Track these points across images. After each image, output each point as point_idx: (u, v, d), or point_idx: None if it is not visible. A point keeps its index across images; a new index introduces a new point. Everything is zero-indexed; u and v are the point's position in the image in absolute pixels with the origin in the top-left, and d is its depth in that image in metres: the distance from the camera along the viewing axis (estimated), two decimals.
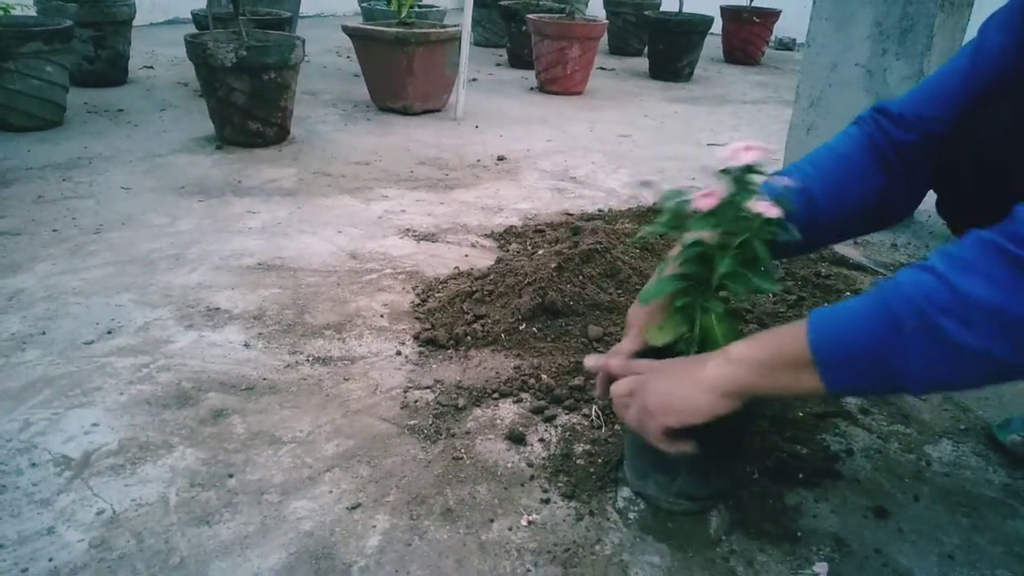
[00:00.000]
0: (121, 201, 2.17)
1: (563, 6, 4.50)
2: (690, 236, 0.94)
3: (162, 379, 1.32)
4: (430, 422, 1.23)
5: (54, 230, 1.94)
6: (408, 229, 2.07)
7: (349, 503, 1.04)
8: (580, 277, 1.60)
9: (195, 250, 1.86)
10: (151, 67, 4.13)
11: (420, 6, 4.65)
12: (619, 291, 1.60)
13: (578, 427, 1.21)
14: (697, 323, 0.95)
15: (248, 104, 2.69)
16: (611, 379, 1.10)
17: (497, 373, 1.36)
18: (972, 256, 0.73)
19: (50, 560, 0.93)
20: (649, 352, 1.03)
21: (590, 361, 1.05)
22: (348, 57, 4.68)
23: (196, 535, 0.98)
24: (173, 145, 2.76)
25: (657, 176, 2.69)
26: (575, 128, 3.39)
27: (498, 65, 4.99)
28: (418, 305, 1.63)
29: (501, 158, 2.82)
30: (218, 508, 1.03)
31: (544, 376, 1.34)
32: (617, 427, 1.20)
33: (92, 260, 1.78)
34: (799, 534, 1.01)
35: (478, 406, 1.27)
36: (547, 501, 1.06)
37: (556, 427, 1.22)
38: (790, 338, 0.82)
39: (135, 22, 3.68)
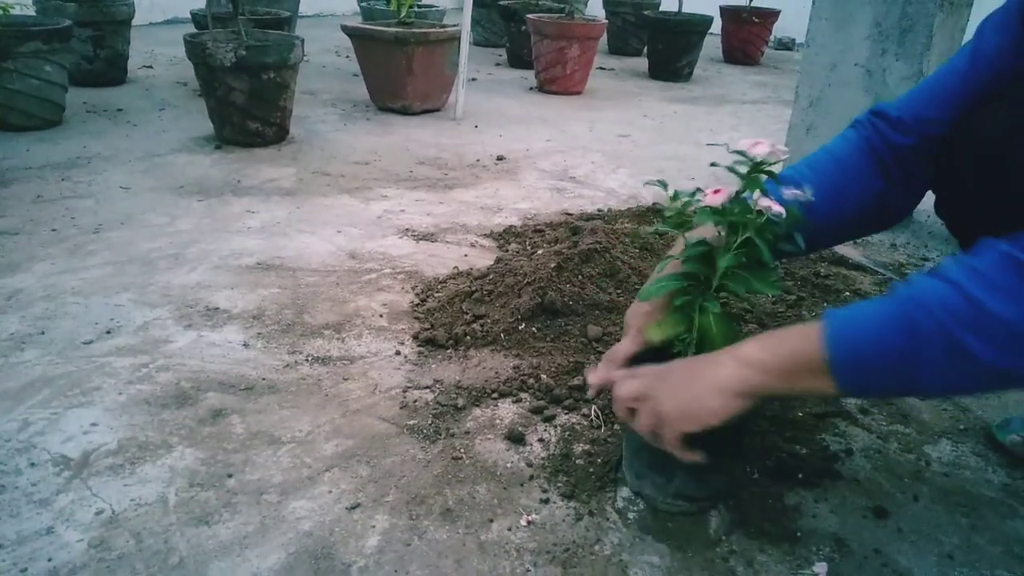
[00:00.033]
0: (120, 201, 2.17)
1: (562, 6, 4.50)
2: (694, 235, 0.94)
3: (161, 379, 1.32)
4: (429, 422, 1.23)
5: (53, 230, 1.94)
6: (407, 229, 2.07)
7: (348, 503, 1.04)
8: (579, 277, 1.60)
9: (194, 250, 1.86)
10: (150, 67, 4.13)
11: (419, 6, 4.65)
12: (618, 291, 1.60)
13: (577, 427, 1.21)
14: (696, 323, 0.95)
15: (247, 104, 2.68)
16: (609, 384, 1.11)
17: (496, 373, 1.36)
18: (994, 272, 0.73)
19: (49, 560, 0.93)
20: (648, 352, 1.04)
21: (593, 378, 1.02)
22: (347, 57, 4.68)
23: (195, 535, 0.98)
24: (172, 145, 2.76)
25: (657, 176, 2.68)
26: (574, 128, 3.39)
27: (497, 65, 4.99)
28: (417, 305, 1.63)
29: (500, 158, 2.82)
30: (217, 508, 1.03)
31: (543, 376, 1.34)
32: (616, 427, 1.20)
33: (91, 260, 1.78)
34: (799, 534, 1.01)
35: (477, 406, 1.27)
36: (546, 501, 1.06)
37: (555, 427, 1.22)
38: (805, 341, 0.81)
39: (134, 22, 3.68)
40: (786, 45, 6.60)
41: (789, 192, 0.93)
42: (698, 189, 0.93)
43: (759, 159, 0.88)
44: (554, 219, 2.17)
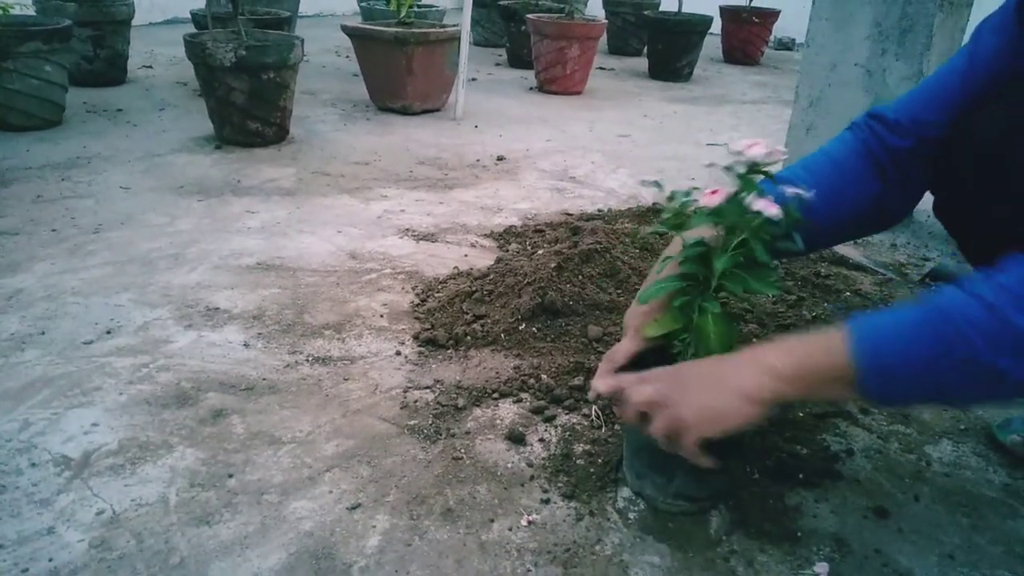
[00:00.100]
0: (120, 201, 2.17)
1: (562, 6, 4.50)
2: (692, 235, 0.94)
3: (161, 379, 1.32)
4: (430, 422, 1.23)
5: (53, 230, 1.94)
6: (407, 229, 2.07)
7: (349, 503, 1.04)
8: (580, 277, 1.60)
9: (194, 250, 1.86)
10: (150, 67, 4.12)
11: (419, 6, 4.65)
12: (619, 291, 1.60)
13: (578, 427, 1.21)
14: (694, 323, 0.95)
15: (247, 104, 2.68)
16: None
17: (497, 373, 1.36)
18: (1019, 287, 0.73)
19: (50, 560, 0.93)
20: (648, 352, 1.04)
21: (602, 386, 0.99)
22: (347, 57, 4.68)
23: (196, 535, 0.98)
24: (172, 145, 2.75)
25: (657, 176, 2.69)
26: (574, 128, 3.39)
27: (497, 65, 4.99)
28: (418, 305, 1.63)
29: (500, 158, 2.82)
30: (218, 508, 1.03)
31: (544, 376, 1.34)
32: (617, 427, 1.20)
33: (91, 260, 1.78)
34: (799, 534, 1.01)
35: (478, 406, 1.27)
36: (547, 501, 1.06)
37: (556, 427, 1.22)
38: (831, 353, 0.80)
39: (134, 22, 3.68)
40: (786, 45, 6.60)
41: (790, 190, 0.93)
42: (694, 189, 0.92)
43: (756, 160, 0.88)
44: (554, 219, 2.17)
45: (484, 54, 5.29)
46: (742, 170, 0.89)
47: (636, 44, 5.71)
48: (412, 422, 1.23)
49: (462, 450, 1.16)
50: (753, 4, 5.52)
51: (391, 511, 1.03)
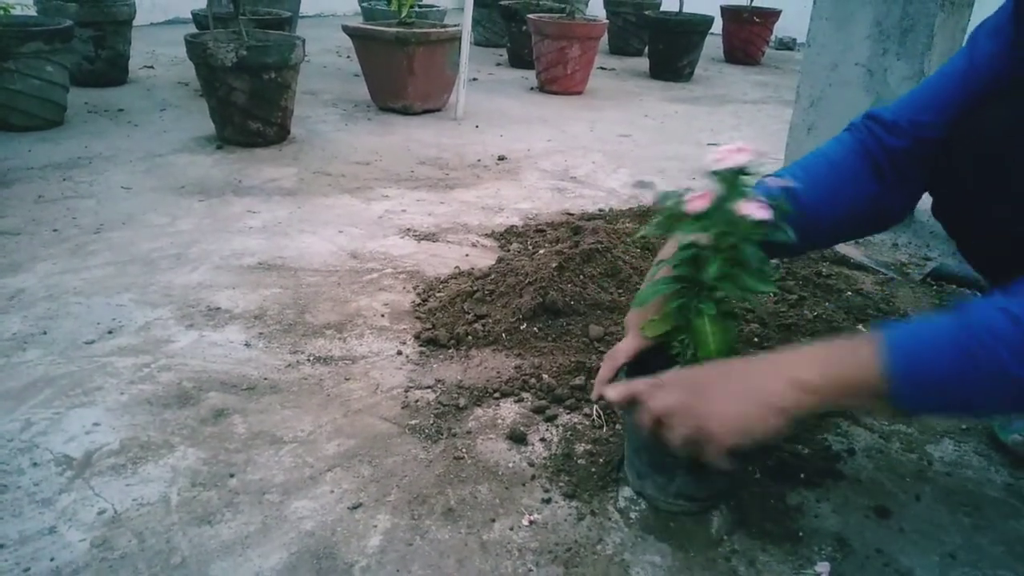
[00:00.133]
0: (121, 201, 2.17)
1: (563, 6, 4.50)
2: (685, 237, 0.93)
3: (163, 379, 1.32)
4: (431, 422, 1.23)
5: (55, 230, 1.94)
6: (409, 229, 2.07)
7: (350, 503, 1.04)
8: (581, 277, 1.60)
9: (196, 250, 1.86)
10: (151, 67, 4.13)
11: (420, 6, 4.65)
12: (620, 291, 1.60)
13: (579, 427, 1.21)
14: (692, 324, 0.95)
15: (248, 104, 2.69)
16: (609, 383, 1.10)
17: (498, 373, 1.36)
18: None
19: (52, 560, 0.93)
20: (649, 351, 1.04)
21: (613, 393, 0.97)
22: (348, 57, 4.68)
23: (197, 535, 0.98)
24: (173, 145, 2.76)
25: (657, 176, 2.69)
26: (575, 128, 3.39)
27: (498, 65, 4.99)
28: (419, 305, 1.63)
29: (501, 158, 2.82)
30: (219, 508, 1.03)
31: (545, 376, 1.34)
32: (618, 427, 1.20)
33: (93, 260, 1.78)
34: (801, 534, 1.01)
35: (479, 406, 1.27)
36: (548, 501, 1.06)
37: (557, 427, 1.22)
38: (862, 367, 0.79)
39: (135, 22, 3.68)
40: (787, 45, 6.60)
41: (775, 182, 0.93)
42: (687, 190, 0.92)
43: (740, 166, 0.87)
44: (555, 219, 2.17)
45: (485, 54, 5.29)
46: (726, 176, 0.88)
47: (637, 44, 5.71)
48: (413, 422, 1.23)
49: (463, 450, 1.16)
50: (754, 4, 5.52)
51: (392, 511, 1.03)
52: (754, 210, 0.85)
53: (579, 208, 2.29)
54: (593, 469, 1.11)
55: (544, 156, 2.89)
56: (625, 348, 1.06)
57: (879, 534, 1.03)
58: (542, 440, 1.19)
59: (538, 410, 1.25)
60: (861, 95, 2.08)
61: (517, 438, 1.18)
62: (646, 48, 5.12)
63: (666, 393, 0.90)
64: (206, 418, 1.22)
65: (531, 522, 1.02)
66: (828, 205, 1.04)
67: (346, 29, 3.42)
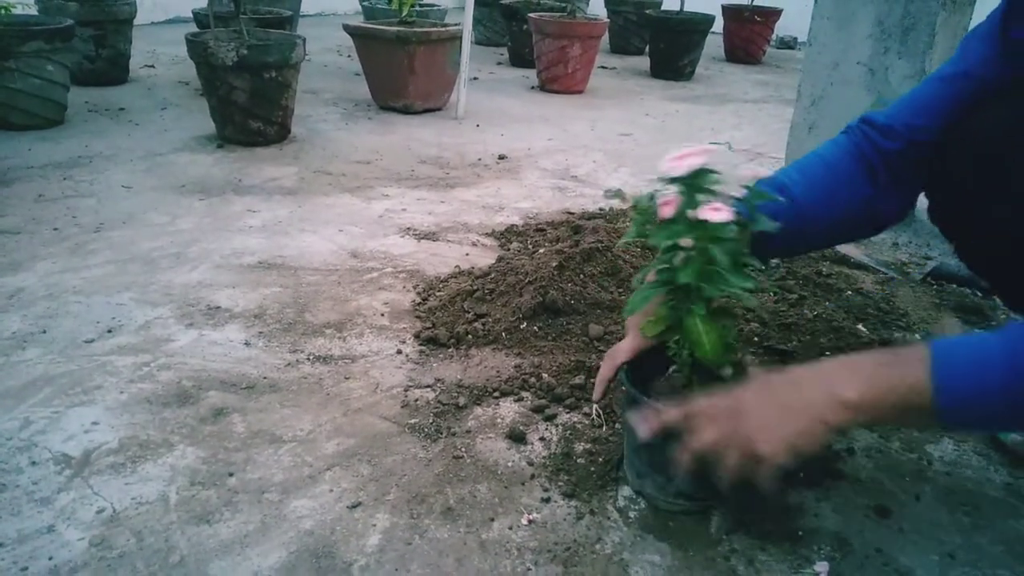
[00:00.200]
0: (122, 200, 2.17)
1: (564, 5, 4.50)
2: (667, 242, 0.92)
3: (162, 378, 1.32)
4: (431, 421, 1.22)
5: (55, 229, 1.94)
6: (409, 228, 2.07)
7: (349, 502, 1.04)
8: (581, 276, 1.60)
9: (196, 249, 1.86)
10: (152, 66, 4.13)
11: (421, 5, 4.65)
12: (620, 290, 1.60)
13: (579, 426, 1.21)
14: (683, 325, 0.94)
15: (249, 103, 2.69)
16: (611, 382, 1.11)
17: (498, 372, 1.36)
18: None
19: (50, 559, 0.93)
20: (649, 351, 1.04)
21: (644, 431, 0.93)
22: (349, 56, 4.68)
23: (196, 534, 0.98)
24: (174, 144, 2.76)
25: (657, 176, 2.68)
26: (576, 127, 3.39)
27: (499, 64, 4.99)
28: (419, 304, 1.62)
29: (502, 157, 2.82)
30: (218, 507, 1.03)
31: (545, 375, 1.33)
32: (617, 426, 1.20)
33: (93, 259, 1.78)
34: (800, 533, 1.01)
35: (479, 405, 1.27)
36: (548, 500, 1.06)
37: (557, 426, 1.22)
38: (906, 383, 0.79)
39: (136, 21, 3.68)
40: (788, 44, 6.59)
41: (748, 172, 0.93)
42: (656, 192, 0.91)
43: (695, 169, 0.87)
44: (556, 218, 2.17)
45: (486, 53, 5.29)
46: (685, 182, 0.87)
47: (638, 43, 5.70)
48: (413, 421, 1.23)
49: (463, 449, 1.16)
50: (755, 3, 5.51)
51: (391, 510, 1.03)
52: (711, 213, 0.84)
53: (579, 207, 2.29)
54: (592, 468, 1.11)
55: (545, 155, 2.89)
56: (625, 347, 1.06)
57: (879, 533, 1.02)
58: (541, 439, 1.19)
59: (538, 409, 1.25)
60: (862, 94, 2.08)
61: (516, 437, 1.18)
62: (647, 47, 5.11)
63: (707, 427, 0.87)
64: (205, 417, 1.22)
65: (530, 521, 1.01)
66: (824, 206, 1.05)
67: (347, 28, 3.42)
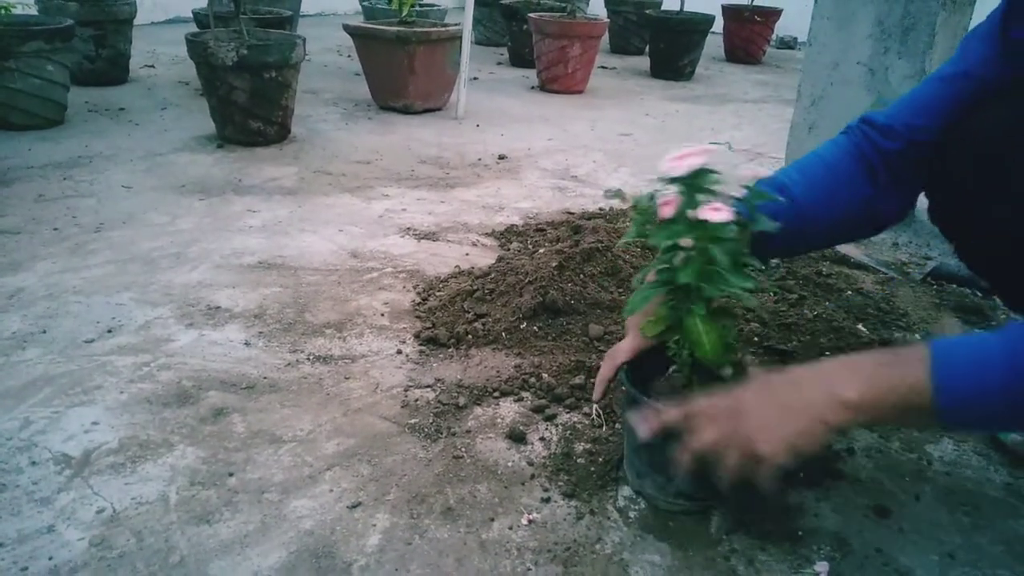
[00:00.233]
0: (122, 200, 2.17)
1: (564, 5, 4.50)
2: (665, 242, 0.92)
3: (163, 378, 1.32)
4: (431, 421, 1.22)
5: (55, 229, 1.94)
6: (409, 228, 2.07)
7: (349, 502, 1.04)
8: (581, 276, 1.60)
9: (196, 249, 1.86)
10: (152, 66, 4.13)
11: (421, 5, 4.65)
12: (620, 290, 1.60)
13: (579, 426, 1.21)
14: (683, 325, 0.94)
15: (249, 103, 2.69)
16: (610, 381, 1.11)
17: (498, 372, 1.36)
18: None
19: (50, 559, 0.93)
20: (648, 352, 1.04)
21: (644, 431, 0.93)
22: (349, 56, 4.68)
23: (196, 534, 0.98)
24: (174, 144, 2.76)
25: (656, 176, 2.68)
26: (576, 127, 3.39)
27: (499, 64, 4.99)
28: (419, 304, 1.62)
29: (502, 157, 2.82)
30: (218, 507, 1.03)
31: (545, 375, 1.33)
32: (617, 426, 1.20)
33: (93, 259, 1.78)
34: (800, 533, 1.01)
35: (479, 405, 1.27)
36: (548, 500, 1.06)
37: (557, 426, 1.22)
38: (906, 383, 0.79)
39: (136, 21, 3.68)
40: (788, 44, 6.59)
41: (748, 172, 0.93)
42: (656, 192, 0.91)
43: (695, 169, 0.87)
44: (556, 218, 2.17)
45: (486, 53, 5.29)
46: (685, 182, 0.87)
47: (638, 43, 5.70)
48: (413, 421, 1.23)
49: (463, 449, 1.16)
50: (755, 3, 5.51)
51: (391, 510, 1.03)
52: (711, 213, 0.84)
53: (579, 207, 2.29)
54: (592, 468, 1.11)
55: (545, 155, 2.89)
56: (625, 347, 1.06)
57: (878, 533, 1.02)
58: (541, 439, 1.19)
59: (537, 409, 1.25)
60: (862, 94, 2.08)
61: (516, 437, 1.18)
62: (647, 47, 5.11)
63: (707, 427, 0.87)
64: (205, 417, 1.22)
65: (530, 521, 1.01)
66: (824, 206, 1.05)
67: (347, 28, 3.42)
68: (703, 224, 0.85)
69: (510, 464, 1.13)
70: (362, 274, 1.77)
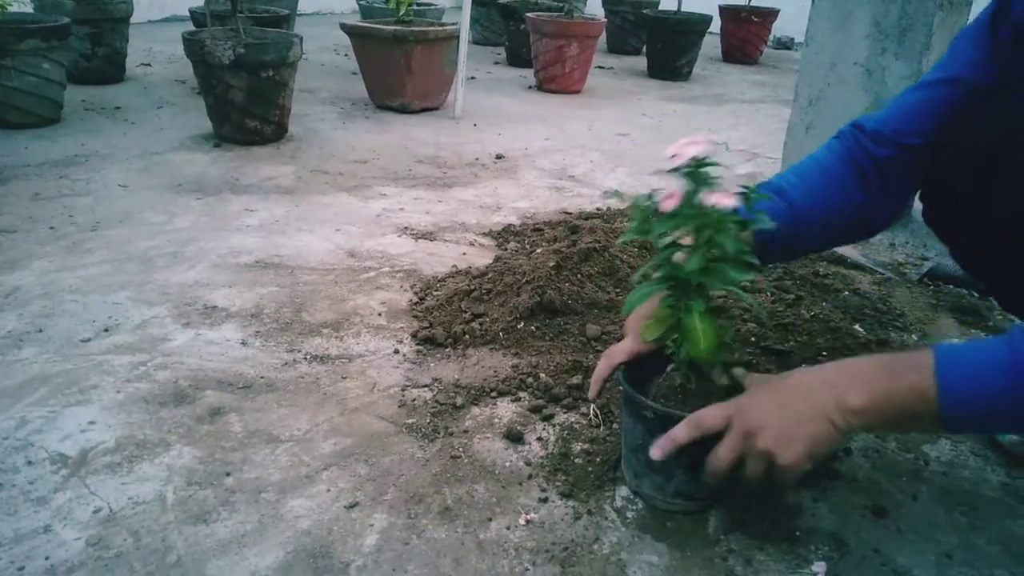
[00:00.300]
0: (118, 199, 2.17)
1: (562, 4, 4.50)
2: (665, 238, 0.93)
3: (159, 377, 1.32)
4: (428, 421, 1.22)
5: (51, 227, 1.93)
6: (406, 227, 2.07)
7: (347, 502, 1.04)
8: (578, 276, 1.60)
9: (192, 248, 1.86)
10: (148, 64, 4.12)
11: (418, 4, 4.64)
12: (617, 290, 1.60)
13: (576, 426, 1.21)
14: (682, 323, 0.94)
15: (246, 102, 2.68)
16: (607, 380, 1.11)
17: (495, 372, 1.36)
18: None
19: (46, 559, 0.93)
20: (646, 355, 1.04)
21: (657, 453, 0.93)
22: (346, 55, 4.68)
23: (193, 534, 0.97)
24: (171, 143, 2.75)
25: (655, 176, 2.69)
26: (573, 127, 3.39)
27: (496, 63, 4.99)
28: (416, 303, 1.62)
29: (499, 156, 2.82)
30: (215, 507, 1.02)
31: (542, 375, 1.33)
32: (615, 426, 1.20)
33: (89, 258, 1.77)
34: (797, 533, 1.01)
35: (476, 405, 1.27)
36: (545, 500, 1.05)
37: (554, 426, 1.22)
38: (919, 399, 0.79)
39: (132, 19, 3.67)
40: (785, 44, 6.60)
41: (743, 171, 0.93)
42: (655, 191, 0.92)
43: (698, 157, 0.87)
44: (553, 218, 2.17)
45: (483, 53, 5.29)
46: (688, 170, 0.88)
47: (635, 43, 5.71)
48: (410, 421, 1.22)
49: (460, 449, 1.16)
50: (752, 3, 5.52)
51: (389, 510, 1.03)
52: (721, 199, 0.85)
53: (577, 207, 2.29)
54: (590, 468, 1.11)
55: (542, 155, 2.89)
56: (623, 349, 1.06)
57: (876, 534, 1.03)
58: (539, 439, 1.19)
59: (535, 409, 1.25)
60: (859, 94, 2.08)
61: (514, 437, 1.18)
62: (644, 47, 5.12)
63: (724, 447, 0.89)
64: (202, 417, 1.21)
65: (528, 521, 1.01)
66: (820, 210, 1.06)
67: (344, 27, 3.41)
68: (709, 212, 0.86)
69: (508, 464, 1.13)
70: (359, 274, 1.76)
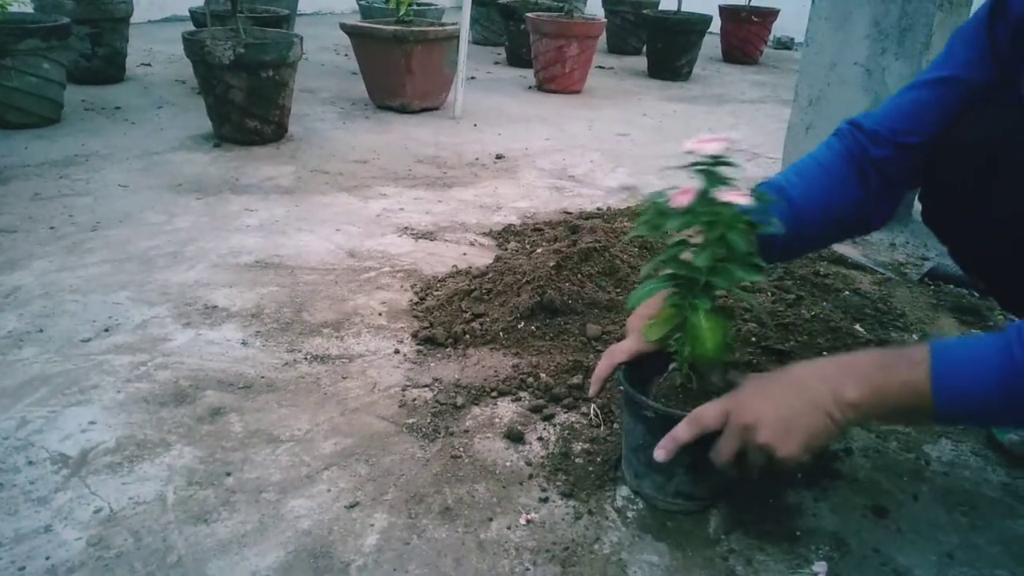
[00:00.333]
0: (118, 199, 2.17)
1: (562, 4, 4.50)
2: (674, 236, 0.93)
3: (160, 377, 1.31)
4: (428, 420, 1.22)
5: (51, 227, 1.93)
6: (406, 227, 2.07)
7: (347, 502, 1.04)
8: (579, 276, 1.60)
9: (193, 248, 1.86)
10: (149, 64, 4.12)
11: (418, 4, 4.64)
12: (617, 289, 1.60)
13: (577, 426, 1.21)
14: (687, 321, 0.94)
15: (246, 102, 2.68)
16: (607, 379, 1.11)
17: (496, 371, 1.36)
18: None
19: (47, 559, 0.93)
20: (647, 354, 1.04)
21: (661, 453, 0.93)
22: (346, 55, 4.68)
23: (194, 533, 0.97)
24: (171, 143, 2.75)
25: (655, 176, 2.69)
26: (573, 127, 3.39)
27: (496, 63, 4.99)
28: (416, 303, 1.62)
29: (499, 156, 2.82)
30: (216, 507, 1.02)
31: (543, 375, 1.33)
32: (615, 426, 1.20)
33: (89, 258, 1.77)
34: (798, 533, 1.01)
35: (476, 405, 1.27)
36: (546, 500, 1.05)
37: (555, 426, 1.22)
38: (914, 394, 0.80)
39: (133, 19, 3.67)
40: (785, 44, 6.60)
41: (741, 161, 0.94)
42: (668, 189, 0.92)
43: (714, 155, 0.88)
44: (553, 218, 2.17)
45: (483, 53, 5.29)
46: (705, 166, 0.88)
47: (635, 43, 5.71)
48: (410, 420, 1.22)
49: (460, 449, 1.16)
50: (752, 3, 5.52)
51: (389, 510, 1.03)
52: (735, 197, 0.85)
53: (577, 207, 2.29)
54: (590, 468, 1.11)
55: (542, 155, 2.89)
56: (625, 348, 1.06)
57: (876, 533, 1.03)
58: (539, 439, 1.19)
59: (535, 409, 1.25)
60: (859, 94, 2.08)
61: (514, 437, 1.18)
62: (644, 47, 5.12)
63: (724, 443, 0.90)
64: (203, 417, 1.21)
65: (528, 521, 1.01)
66: (820, 208, 1.06)
67: (344, 27, 3.41)
68: (723, 209, 0.86)
69: (508, 464, 1.13)
70: (359, 273, 1.76)
